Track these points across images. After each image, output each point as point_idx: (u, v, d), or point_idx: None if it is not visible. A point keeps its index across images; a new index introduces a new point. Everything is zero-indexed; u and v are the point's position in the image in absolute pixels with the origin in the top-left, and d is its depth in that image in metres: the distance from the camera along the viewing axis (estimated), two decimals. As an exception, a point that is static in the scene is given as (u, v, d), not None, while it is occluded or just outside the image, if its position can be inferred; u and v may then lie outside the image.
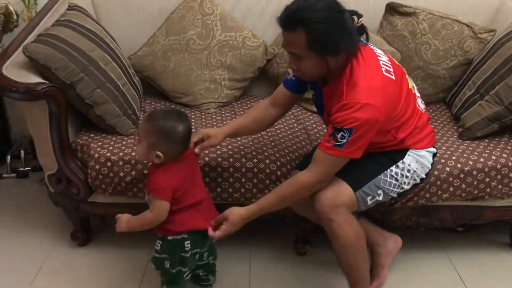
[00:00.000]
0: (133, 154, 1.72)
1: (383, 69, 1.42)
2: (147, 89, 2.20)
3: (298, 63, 1.41)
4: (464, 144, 1.84)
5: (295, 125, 2.01)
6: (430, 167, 1.59)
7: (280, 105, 1.67)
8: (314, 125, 2.02)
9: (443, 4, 2.24)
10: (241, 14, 2.24)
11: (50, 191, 1.87)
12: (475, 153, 1.78)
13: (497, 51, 1.95)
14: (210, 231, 1.49)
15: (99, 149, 1.74)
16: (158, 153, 1.40)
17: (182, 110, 1.51)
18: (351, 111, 1.35)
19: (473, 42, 2.11)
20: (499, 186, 1.74)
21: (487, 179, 1.73)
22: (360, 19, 1.43)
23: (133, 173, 1.70)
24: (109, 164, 1.71)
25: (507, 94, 1.81)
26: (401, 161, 1.52)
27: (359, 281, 1.54)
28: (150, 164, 1.55)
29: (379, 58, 1.45)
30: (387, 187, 1.51)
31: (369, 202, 1.51)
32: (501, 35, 2.01)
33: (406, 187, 1.56)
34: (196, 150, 1.52)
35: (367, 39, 1.47)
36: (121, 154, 1.72)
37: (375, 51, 1.47)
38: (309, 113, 2.12)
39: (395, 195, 1.55)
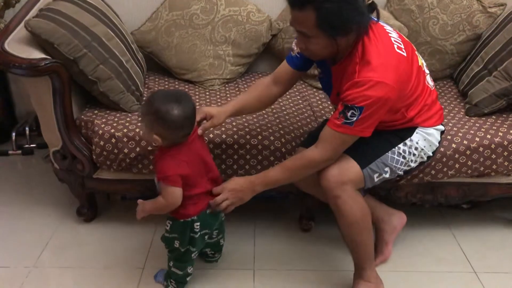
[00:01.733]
0: (137, 130, 1.72)
1: (395, 46, 1.39)
2: (150, 66, 2.19)
3: (306, 43, 1.38)
4: (471, 121, 1.83)
5: (300, 101, 2.00)
6: (438, 145, 1.58)
7: (283, 82, 1.64)
8: (319, 102, 2.00)
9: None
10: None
11: (55, 168, 1.87)
12: (482, 129, 1.76)
13: (506, 25, 1.92)
14: (211, 202, 1.48)
15: (103, 125, 1.74)
16: (155, 136, 1.38)
17: (186, 93, 1.46)
18: (363, 89, 1.33)
19: (482, 17, 2.07)
20: (505, 163, 1.73)
21: (493, 156, 1.72)
22: None
23: (138, 149, 1.70)
24: (113, 140, 1.70)
25: (515, 70, 1.78)
26: (409, 138, 1.51)
27: (364, 257, 1.54)
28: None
29: (389, 35, 1.42)
30: (394, 164, 1.50)
31: (376, 180, 1.50)
32: (511, 9, 1.96)
33: (413, 164, 1.55)
34: (199, 131, 1.50)
35: (378, 16, 1.43)
36: (125, 130, 1.72)
37: (385, 27, 1.44)
38: (314, 89, 2.10)
39: (401, 172, 1.54)
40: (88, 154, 1.76)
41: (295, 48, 1.60)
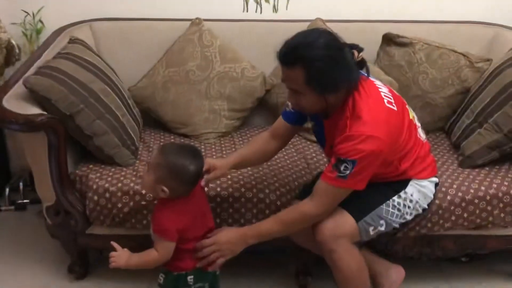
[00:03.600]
0: (132, 185, 1.71)
1: (385, 101, 1.42)
2: (146, 120, 2.21)
3: (297, 99, 1.41)
4: (465, 173, 1.83)
5: (294, 154, 2.01)
6: (433, 197, 1.58)
7: (280, 137, 1.67)
8: (313, 154, 2.02)
9: (438, 35, 2.28)
10: (239, 45, 2.27)
11: (48, 223, 1.85)
12: (476, 181, 1.76)
13: (494, 79, 1.97)
14: (200, 242, 1.44)
15: (97, 180, 1.73)
16: (164, 188, 1.35)
17: (197, 148, 1.45)
18: (355, 143, 1.34)
19: (470, 71, 2.13)
20: (502, 215, 1.72)
21: (489, 208, 1.71)
22: (361, 53, 1.43)
23: (131, 204, 1.69)
24: (107, 195, 1.70)
25: (505, 122, 1.81)
26: (403, 191, 1.51)
27: (362, 313, 1.50)
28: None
29: (379, 89, 1.45)
30: (389, 217, 1.49)
31: (371, 233, 1.49)
32: (498, 63, 2.03)
33: (409, 217, 1.54)
34: (202, 182, 1.50)
35: (368, 73, 1.48)
36: (119, 185, 1.72)
37: (375, 82, 1.48)
38: (308, 142, 2.12)
39: (397, 225, 1.53)
40: (81, 209, 1.74)
41: (289, 104, 1.63)
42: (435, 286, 1.88)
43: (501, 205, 1.71)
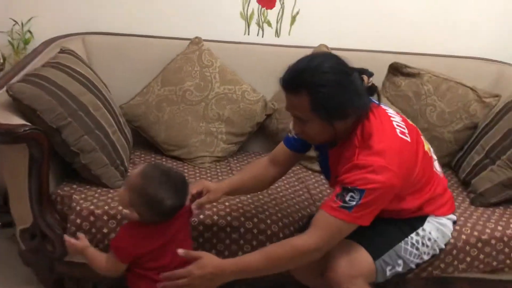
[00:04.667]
0: (119, 208, 1.55)
1: (398, 131, 1.30)
2: (137, 141, 2.06)
3: (302, 127, 1.29)
4: (478, 211, 1.73)
5: (296, 183, 1.88)
6: (451, 236, 1.45)
7: (281, 164, 1.54)
8: (316, 185, 1.89)
9: (443, 69, 2.21)
10: (239, 68, 2.17)
11: (21, 249, 1.66)
12: (492, 220, 1.66)
13: (505, 115, 1.90)
14: (168, 273, 1.25)
15: (81, 201, 1.57)
16: (135, 213, 1.26)
17: (184, 177, 1.31)
18: (364, 172, 1.21)
19: (478, 106, 2.06)
20: (520, 258, 1.61)
21: (506, 250, 1.60)
22: (371, 79, 1.33)
23: (119, 229, 1.52)
24: (92, 218, 1.53)
25: (520, 159, 1.72)
26: (421, 228, 1.38)
27: None
28: None
29: (391, 118, 1.34)
30: (407, 256, 1.35)
31: (388, 273, 1.34)
32: (508, 99, 1.96)
33: (426, 257, 1.40)
34: (193, 207, 1.36)
35: (379, 99, 1.37)
36: (106, 207, 1.55)
37: (387, 111, 1.37)
38: (310, 171, 2.00)
39: (414, 266, 1.39)
40: (61, 233, 1.56)
41: (292, 130, 1.51)
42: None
43: (519, 247, 1.60)
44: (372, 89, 1.30)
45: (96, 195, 1.61)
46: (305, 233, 1.27)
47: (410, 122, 1.43)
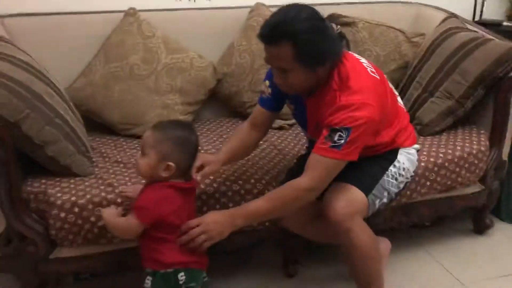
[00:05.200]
0: (103, 194, 1.50)
1: (368, 70, 1.42)
2: (88, 125, 1.95)
3: (285, 77, 1.35)
4: (427, 140, 1.92)
5: (261, 142, 1.92)
6: (417, 163, 1.62)
7: (261, 126, 1.60)
8: (279, 140, 1.97)
9: (368, 13, 2.35)
10: (179, 36, 2.12)
11: (-7, 256, 1.54)
12: (442, 146, 1.86)
13: (434, 51, 2.09)
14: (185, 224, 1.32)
15: (59, 194, 1.49)
16: (170, 164, 1.28)
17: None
18: (349, 110, 1.32)
19: (408, 46, 2.24)
20: (467, 174, 1.84)
21: (457, 169, 1.81)
22: (338, 26, 1.42)
23: (142, 192, 1.47)
24: (76, 209, 1.46)
25: (455, 88, 1.93)
26: (396, 160, 1.52)
27: (379, 287, 1.48)
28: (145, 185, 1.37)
29: (360, 60, 1.45)
30: (390, 187, 1.49)
31: (377, 206, 1.48)
32: (433, 38, 2.15)
33: (401, 186, 1.56)
34: (198, 177, 1.38)
35: (348, 45, 1.46)
36: (88, 196, 1.49)
37: (354, 55, 1.47)
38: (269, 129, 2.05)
39: (394, 195, 1.54)
40: (42, 232, 1.48)
41: (265, 90, 1.57)
42: (413, 253, 1.94)
43: (466, 165, 1.82)
44: (341, 36, 1.40)
45: (72, 185, 1.53)
46: (302, 176, 1.36)
47: (374, 64, 1.55)
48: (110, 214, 1.33)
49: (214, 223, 1.33)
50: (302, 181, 1.36)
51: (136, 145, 1.89)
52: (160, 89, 1.98)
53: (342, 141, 1.31)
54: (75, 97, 1.91)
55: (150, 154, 1.29)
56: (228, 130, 2.04)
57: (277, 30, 1.28)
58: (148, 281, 1.32)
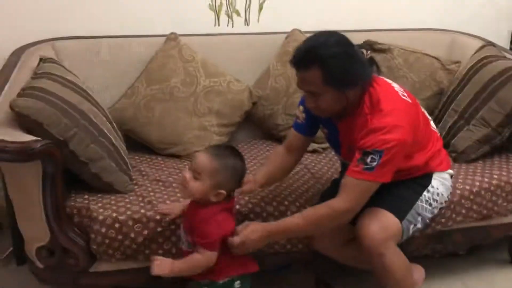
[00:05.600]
0: (143, 211, 1.55)
1: (400, 93, 1.46)
2: (127, 144, 2.03)
3: (316, 101, 1.41)
4: (463, 167, 1.91)
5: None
6: (451, 189, 1.61)
7: (296, 150, 1.65)
8: (312, 164, 1.99)
9: (405, 42, 2.37)
10: (216, 60, 2.19)
11: (36, 268, 1.61)
12: (478, 174, 1.84)
13: (470, 79, 2.09)
14: (230, 239, 1.40)
15: (101, 210, 1.55)
16: (222, 191, 1.35)
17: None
18: (380, 134, 1.35)
19: (443, 73, 2.25)
20: (504, 203, 1.81)
21: (494, 198, 1.79)
22: (369, 52, 1.46)
23: (145, 232, 1.53)
24: (117, 225, 1.52)
25: (492, 117, 1.92)
26: (430, 185, 1.53)
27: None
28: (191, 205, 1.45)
29: (392, 85, 1.48)
30: (424, 212, 1.50)
31: (411, 231, 1.49)
32: (469, 65, 2.15)
33: (436, 211, 1.57)
34: (236, 194, 1.43)
35: (378, 70, 1.50)
36: (128, 212, 1.55)
37: (385, 80, 1.50)
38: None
39: (428, 221, 1.54)
40: (84, 245, 1.54)
41: (300, 115, 1.62)
42: (447, 282, 1.92)
43: (503, 194, 1.80)
44: (371, 61, 1.45)
45: (113, 202, 1.60)
46: (337, 198, 1.39)
47: (405, 88, 1.57)
48: (176, 263, 1.38)
49: (253, 242, 1.40)
50: (337, 203, 1.39)
51: (174, 164, 1.95)
52: (198, 111, 2.04)
53: (375, 164, 1.34)
54: (117, 117, 1.99)
55: (205, 181, 1.34)
56: (262, 152, 2.08)
57: (307, 56, 1.35)
58: None
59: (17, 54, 1.93)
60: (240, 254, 1.41)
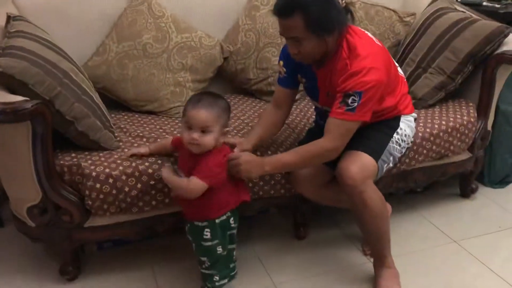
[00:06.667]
0: (134, 165, 1.60)
1: (373, 39, 1.58)
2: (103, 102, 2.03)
3: (298, 47, 1.49)
4: (422, 112, 2.08)
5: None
6: (415, 130, 1.78)
7: (284, 104, 1.75)
8: (285, 115, 2.09)
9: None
10: (187, 16, 2.20)
11: (28, 227, 1.63)
12: (436, 117, 2.02)
13: (426, 30, 2.24)
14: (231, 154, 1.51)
15: (93, 166, 1.58)
16: (227, 129, 1.50)
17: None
18: (360, 76, 1.47)
19: (401, 25, 2.39)
20: (459, 143, 2.02)
21: (450, 139, 1.99)
22: (343, 0, 1.55)
23: (139, 185, 1.59)
24: (110, 180, 1.56)
25: (447, 65, 2.09)
26: (399, 127, 1.68)
27: (386, 245, 1.66)
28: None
29: (365, 32, 1.60)
30: (395, 152, 1.66)
31: (384, 170, 1.64)
32: (424, 17, 2.30)
33: (403, 150, 1.73)
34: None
35: (353, 18, 1.60)
36: (121, 168, 1.59)
37: (359, 28, 1.61)
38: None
39: (397, 160, 1.71)
40: (78, 202, 1.58)
41: (281, 70, 1.70)
42: (409, 215, 2.13)
43: (458, 135, 2.00)
44: (347, 9, 1.54)
45: (102, 159, 1.63)
46: (324, 138, 1.52)
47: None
48: (170, 173, 1.47)
49: (247, 162, 1.50)
50: (325, 142, 1.52)
51: (152, 120, 1.99)
52: (172, 67, 2.07)
53: (356, 104, 1.47)
54: (89, 75, 1.97)
55: (214, 129, 1.42)
56: (237, 106, 2.15)
57: (290, 3, 1.43)
58: (208, 233, 1.48)
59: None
60: (235, 175, 1.49)
